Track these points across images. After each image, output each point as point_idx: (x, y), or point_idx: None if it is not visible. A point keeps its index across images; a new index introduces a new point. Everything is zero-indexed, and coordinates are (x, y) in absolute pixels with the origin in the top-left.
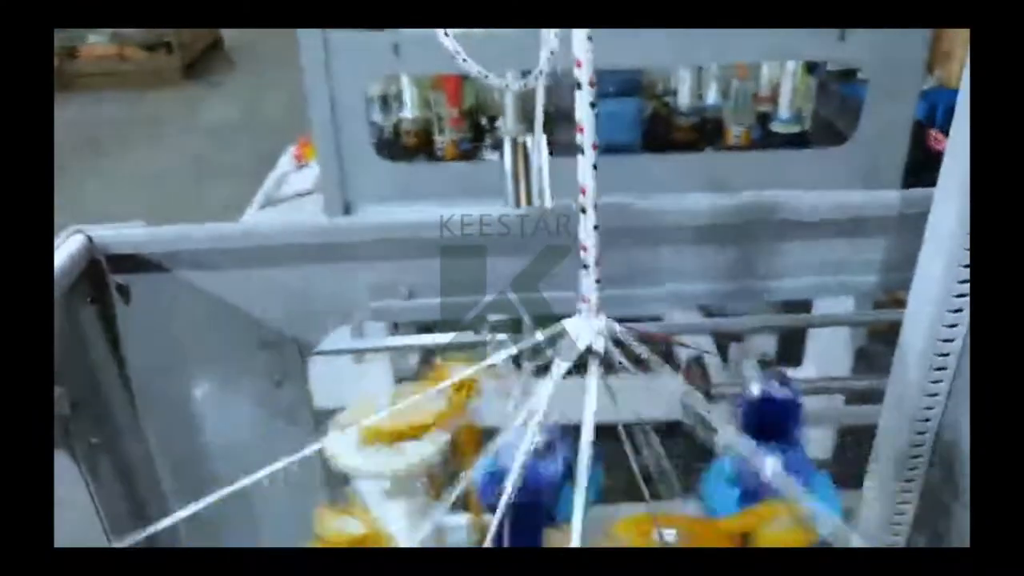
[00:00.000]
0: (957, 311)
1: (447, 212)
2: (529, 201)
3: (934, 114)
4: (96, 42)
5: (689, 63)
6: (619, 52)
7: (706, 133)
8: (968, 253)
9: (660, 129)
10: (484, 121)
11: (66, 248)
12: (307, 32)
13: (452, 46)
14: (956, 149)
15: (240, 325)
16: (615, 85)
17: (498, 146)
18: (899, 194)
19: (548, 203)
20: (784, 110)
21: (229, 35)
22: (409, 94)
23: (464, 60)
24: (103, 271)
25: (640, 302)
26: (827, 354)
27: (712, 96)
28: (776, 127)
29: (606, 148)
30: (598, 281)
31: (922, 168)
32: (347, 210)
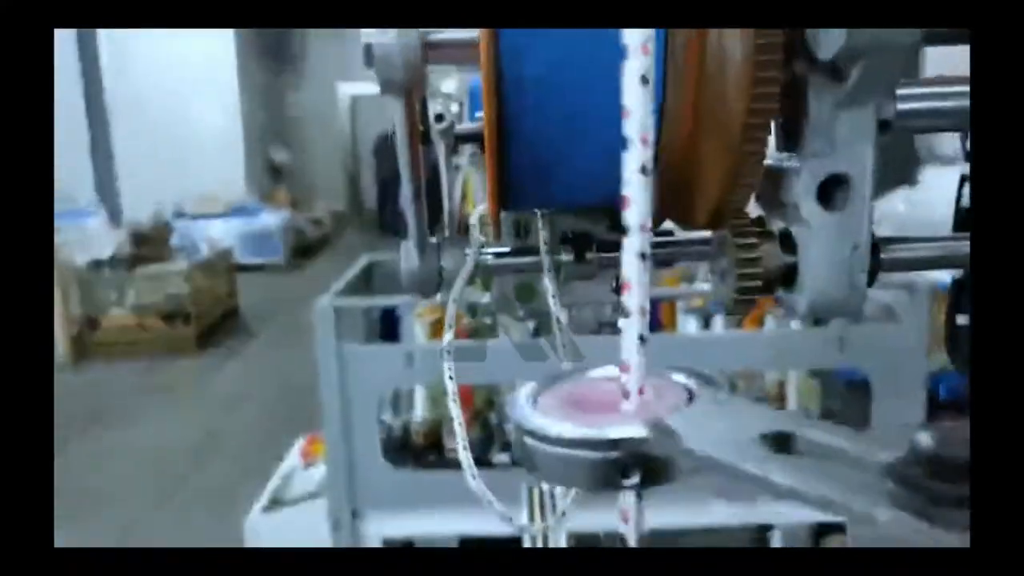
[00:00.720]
0: None
1: (456, 524)
2: None
3: (936, 394)
4: (117, 313)
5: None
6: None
7: None
8: None
9: None
10: (495, 421)
11: None
12: (325, 343)
13: (467, 463)
14: None
15: None
16: None
17: (508, 448)
18: None
19: None
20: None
21: (245, 304)
22: (420, 397)
23: (475, 478)
24: None
25: None
26: None
27: None
28: None
29: None
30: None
31: None
32: (353, 516)
